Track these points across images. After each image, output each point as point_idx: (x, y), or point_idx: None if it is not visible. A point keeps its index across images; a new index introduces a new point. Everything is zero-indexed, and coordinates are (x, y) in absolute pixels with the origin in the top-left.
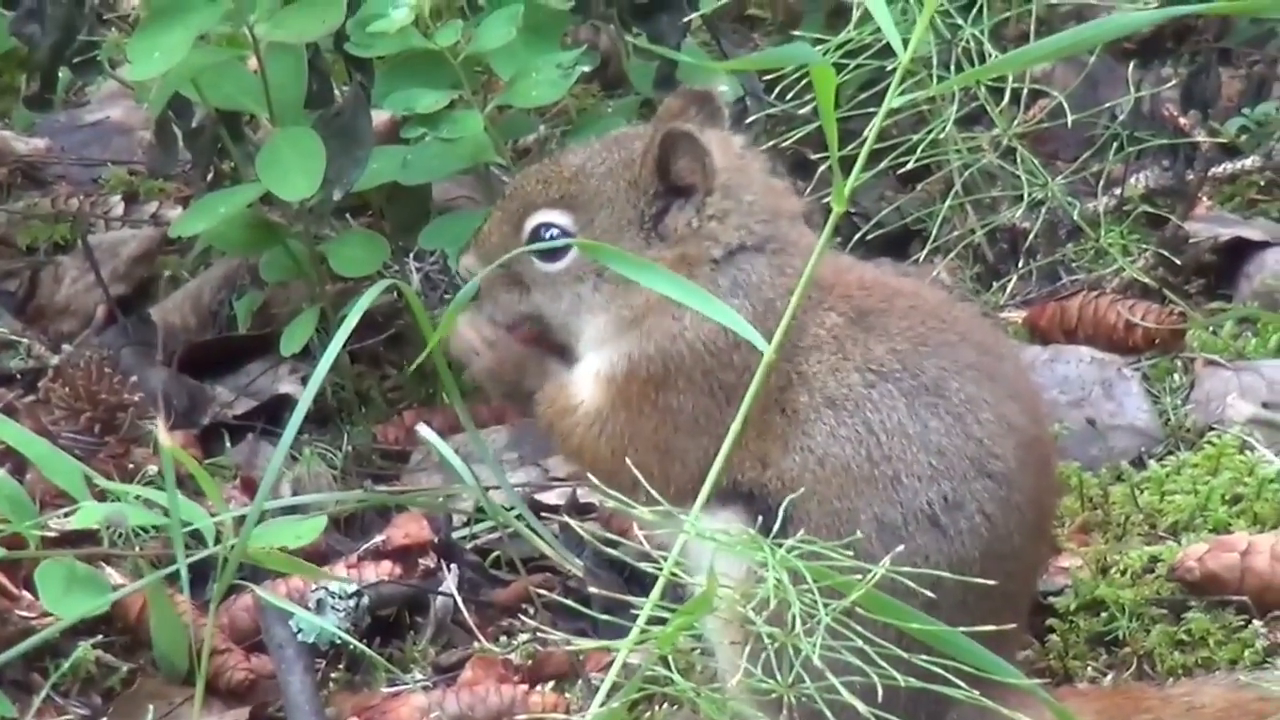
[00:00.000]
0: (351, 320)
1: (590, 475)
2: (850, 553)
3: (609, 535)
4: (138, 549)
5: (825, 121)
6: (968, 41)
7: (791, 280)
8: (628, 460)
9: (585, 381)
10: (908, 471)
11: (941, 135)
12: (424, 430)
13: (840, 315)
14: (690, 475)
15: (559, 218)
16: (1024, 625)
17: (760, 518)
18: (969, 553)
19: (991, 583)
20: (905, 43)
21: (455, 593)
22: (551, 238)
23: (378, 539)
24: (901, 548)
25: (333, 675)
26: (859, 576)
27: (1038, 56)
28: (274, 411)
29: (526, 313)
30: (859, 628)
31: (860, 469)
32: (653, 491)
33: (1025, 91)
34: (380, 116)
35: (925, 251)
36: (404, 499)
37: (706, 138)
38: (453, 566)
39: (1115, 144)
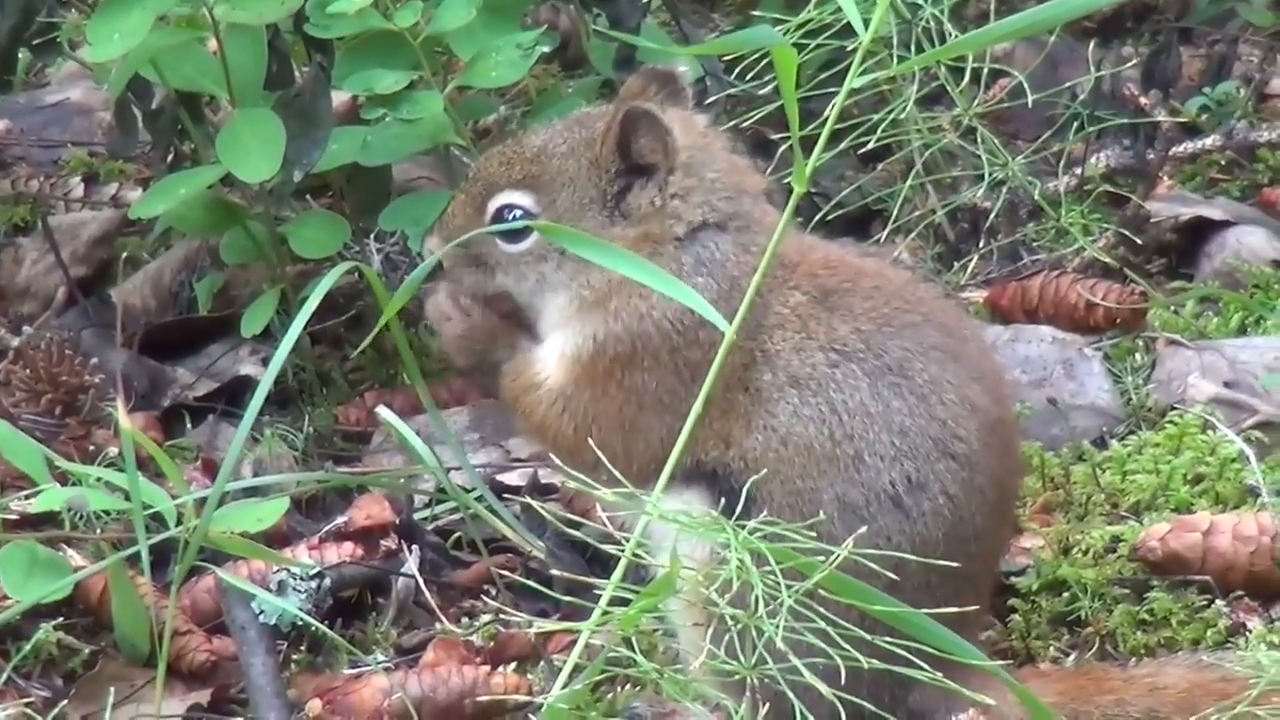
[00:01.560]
0: (313, 302)
1: (552, 453)
2: (813, 534)
3: (571, 516)
4: (99, 531)
5: (787, 102)
6: (928, 21)
7: (756, 258)
8: (590, 438)
9: (549, 360)
10: (870, 451)
11: (902, 115)
12: (384, 411)
13: (804, 294)
14: (653, 453)
15: (521, 198)
16: (986, 606)
17: (723, 498)
18: (931, 534)
19: (954, 564)
20: (866, 23)
21: (417, 574)
22: (514, 218)
23: (339, 520)
24: (864, 528)
25: (294, 657)
26: (822, 558)
27: (999, 36)
28: (235, 393)
29: (494, 294)
30: (822, 609)
31: (823, 448)
32: (614, 471)
33: (986, 71)
34: (340, 97)
35: (886, 231)
36: (365, 480)
37: (668, 116)
38: (414, 548)
39: (1076, 123)
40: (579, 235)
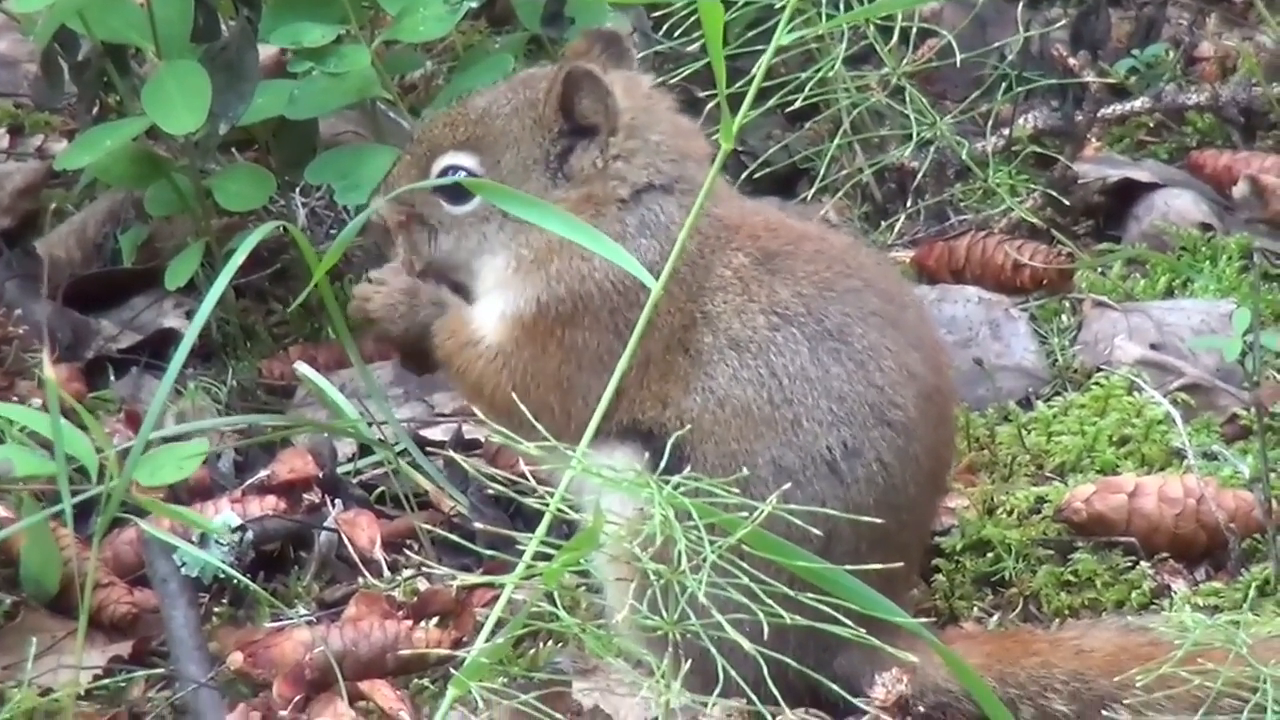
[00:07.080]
0: (237, 258)
1: (488, 410)
2: (738, 490)
3: (495, 471)
4: (22, 483)
5: (713, 58)
6: None
7: (700, 221)
8: (528, 397)
9: (489, 320)
10: (808, 416)
11: (830, 74)
12: (302, 367)
13: (746, 256)
14: (591, 413)
15: (465, 159)
16: (916, 574)
17: (656, 456)
18: (865, 500)
19: (884, 526)
20: None
21: (339, 528)
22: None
23: (262, 474)
24: (790, 485)
25: (216, 610)
26: (747, 514)
27: None
28: (158, 346)
29: (436, 258)
30: (748, 567)
31: (761, 411)
32: (551, 428)
33: (914, 31)
34: (267, 51)
35: (813, 191)
36: (291, 430)
37: (611, 78)
38: (337, 502)
39: (1004, 84)
40: (517, 195)
